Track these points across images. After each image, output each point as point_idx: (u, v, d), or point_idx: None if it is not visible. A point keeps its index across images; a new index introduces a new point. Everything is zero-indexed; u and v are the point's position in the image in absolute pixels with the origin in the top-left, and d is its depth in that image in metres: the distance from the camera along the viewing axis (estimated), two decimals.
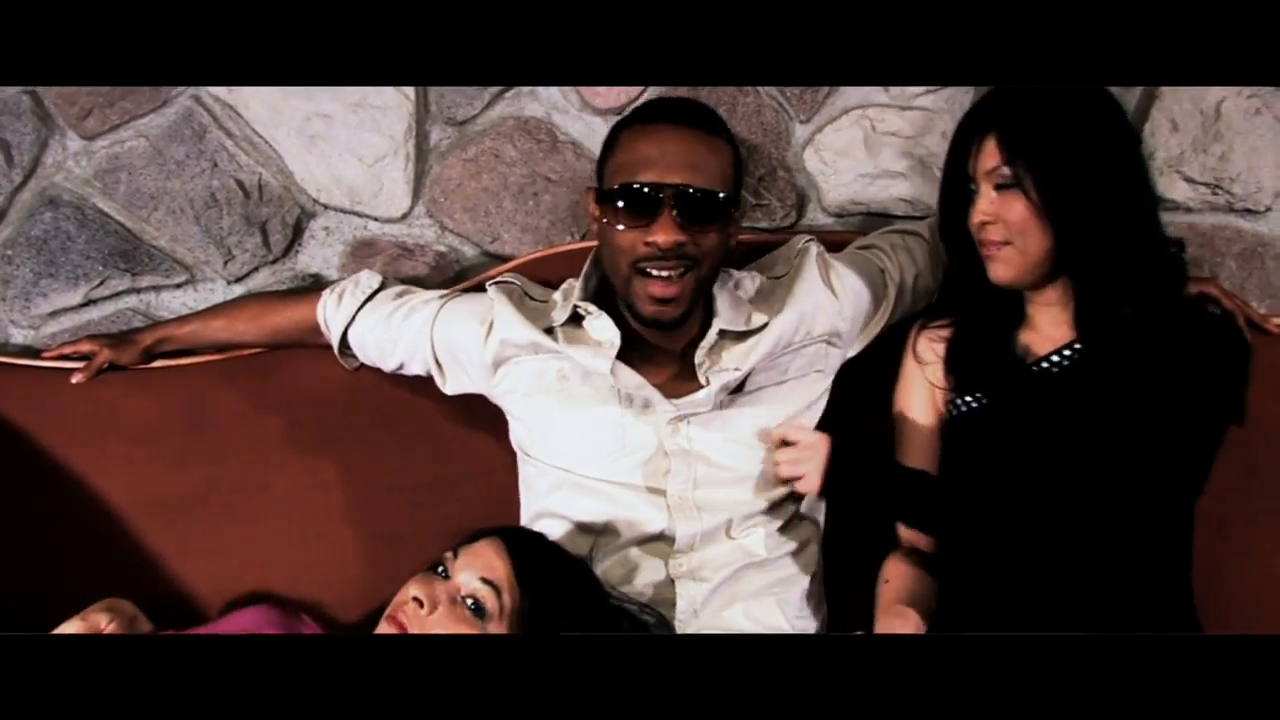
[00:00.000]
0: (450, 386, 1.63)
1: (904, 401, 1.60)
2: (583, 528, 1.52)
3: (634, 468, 1.51)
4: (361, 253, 1.84)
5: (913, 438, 1.58)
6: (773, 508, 1.54)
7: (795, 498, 1.55)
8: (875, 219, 1.84)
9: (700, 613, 1.50)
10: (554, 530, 1.50)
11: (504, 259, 1.82)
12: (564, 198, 1.82)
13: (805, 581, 1.56)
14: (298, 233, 1.84)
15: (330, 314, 1.66)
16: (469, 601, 1.28)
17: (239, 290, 1.84)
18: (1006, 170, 1.39)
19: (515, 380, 1.56)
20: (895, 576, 1.52)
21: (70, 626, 1.31)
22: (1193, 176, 1.83)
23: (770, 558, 1.53)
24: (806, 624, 1.56)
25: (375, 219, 1.84)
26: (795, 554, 1.56)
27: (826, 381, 1.61)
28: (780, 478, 1.50)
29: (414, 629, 1.26)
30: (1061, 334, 1.47)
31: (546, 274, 1.69)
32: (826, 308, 1.58)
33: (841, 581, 1.60)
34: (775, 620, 1.52)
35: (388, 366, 1.66)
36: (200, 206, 1.80)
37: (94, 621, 1.33)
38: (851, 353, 1.64)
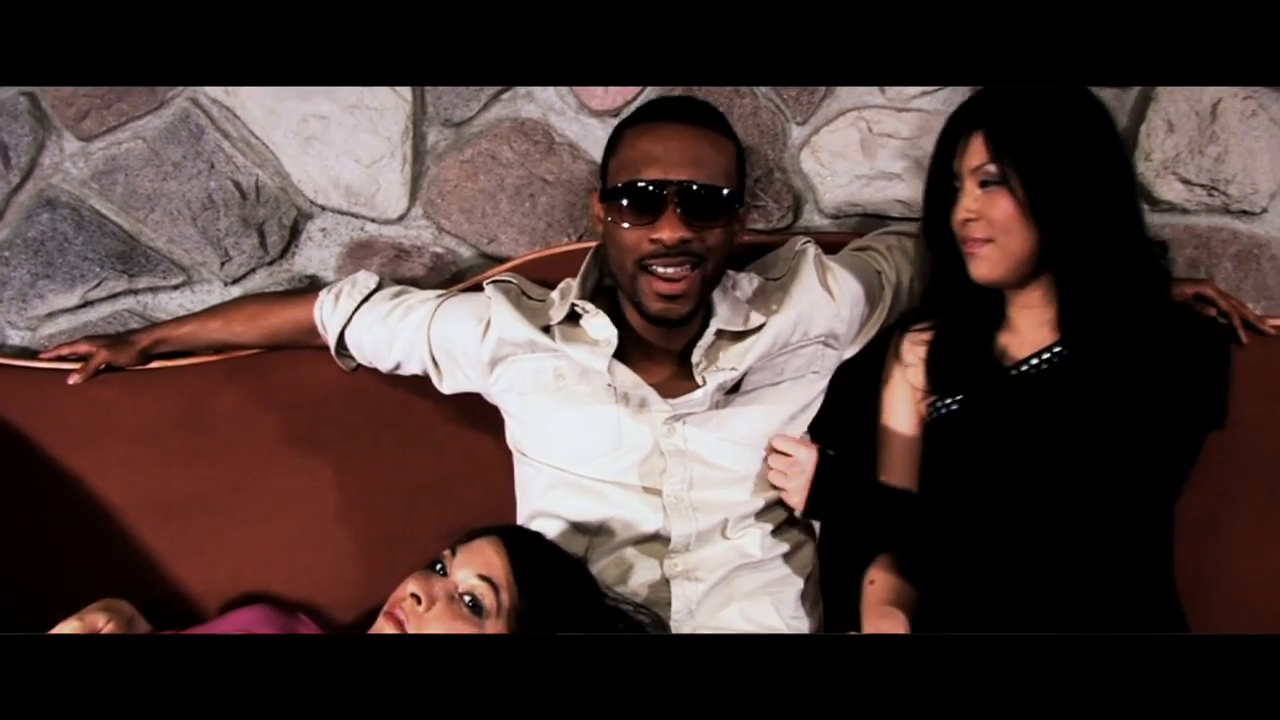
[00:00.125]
0: (447, 385, 1.63)
1: (887, 404, 1.61)
2: (578, 527, 1.52)
3: (630, 467, 1.51)
4: (358, 254, 1.85)
5: (895, 440, 1.59)
6: (768, 509, 1.55)
7: None
8: (872, 220, 1.85)
9: (696, 613, 1.50)
10: (550, 530, 1.50)
11: (501, 260, 1.83)
12: (560, 199, 1.83)
13: (801, 582, 1.56)
14: (295, 234, 1.84)
15: (327, 315, 1.66)
16: (467, 599, 1.29)
17: (236, 291, 1.84)
18: (992, 168, 1.40)
19: (512, 379, 1.57)
20: (880, 578, 1.52)
21: (68, 626, 1.31)
22: (1189, 178, 1.83)
23: (765, 558, 1.53)
24: (802, 624, 1.56)
25: (372, 220, 1.84)
26: (791, 554, 1.56)
27: (823, 383, 1.61)
28: (770, 483, 1.52)
29: (411, 625, 1.26)
30: (1042, 336, 1.48)
31: (543, 275, 1.69)
32: (823, 309, 1.58)
33: (838, 581, 1.60)
34: (770, 620, 1.52)
35: (384, 366, 1.66)
36: (197, 208, 1.80)
37: (91, 621, 1.33)
38: (848, 354, 1.65)
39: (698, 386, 1.51)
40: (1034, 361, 1.47)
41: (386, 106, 1.78)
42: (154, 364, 1.73)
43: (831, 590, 1.62)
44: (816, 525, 1.61)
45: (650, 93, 1.76)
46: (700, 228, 1.44)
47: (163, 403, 1.70)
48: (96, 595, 1.39)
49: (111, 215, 1.80)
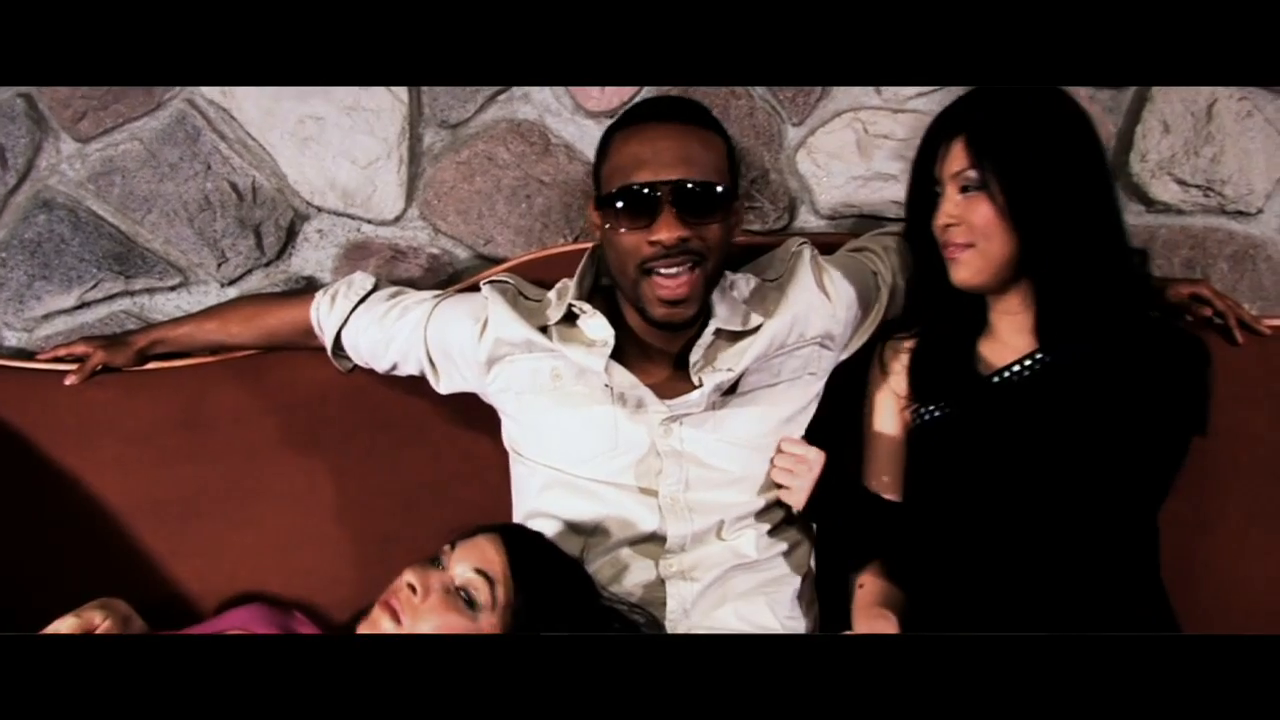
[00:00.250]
0: (444, 386, 1.63)
1: (872, 412, 1.61)
2: (574, 527, 1.52)
3: (626, 468, 1.51)
4: (355, 255, 1.85)
5: (881, 448, 1.59)
6: (765, 510, 1.55)
7: None
8: (867, 221, 1.85)
9: (691, 612, 1.50)
10: (545, 530, 1.49)
11: (497, 261, 1.83)
12: (557, 200, 1.83)
13: (796, 582, 1.56)
14: (291, 235, 1.84)
15: (323, 316, 1.66)
16: (462, 592, 1.29)
17: (233, 293, 1.84)
18: (973, 173, 1.41)
19: (509, 379, 1.57)
20: (870, 581, 1.53)
21: (64, 625, 1.31)
22: (1184, 179, 1.83)
23: (761, 559, 1.53)
24: (797, 624, 1.56)
25: (369, 221, 1.84)
26: (786, 555, 1.56)
27: (819, 384, 1.62)
28: (773, 481, 1.52)
29: (406, 615, 1.26)
30: (1023, 343, 1.48)
31: (539, 276, 1.69)
32: (820, 310, 1.58)
33: (835, 581, 1.60)
34: (765, 620, 1.52)
35: (381, 367, 1.66)
36: (194, 209, 1.80)
37: (88, 619, 1.33)
38: (844, 355, 1.65)
39: (695, 387, 1.51)
40: (1015, 368, 1.47)
41: (383, 108, 1.78)
42: (151, 365, 1.73)
43: (828, 590, 1.62)
44: (814, 525, 1.61)
45: (647, 93, 1.76)
46: (697, 225, 1.44)
47: (159, 403, 1.70)
48: (93, 595, 1.39)
49: (108, 216, 1.80)
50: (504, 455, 1.63)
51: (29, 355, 1.78)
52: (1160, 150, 1.83)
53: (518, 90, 1.80)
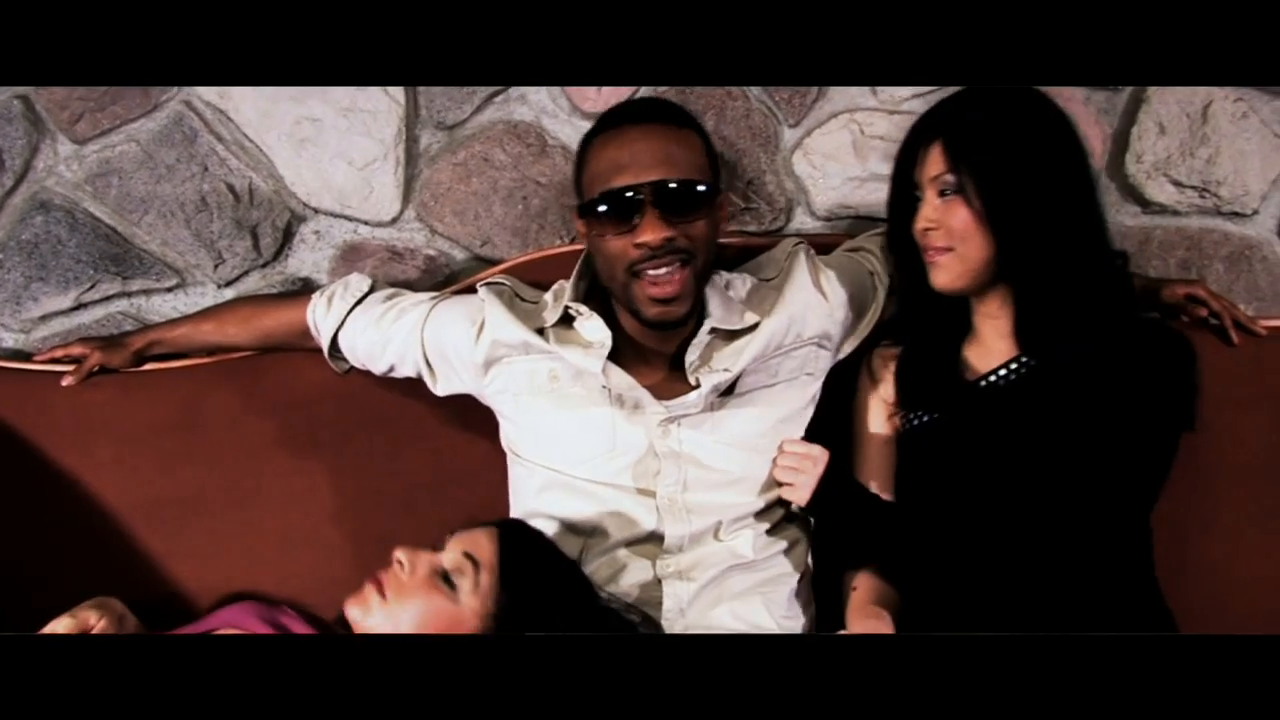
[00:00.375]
0: (441, 387, 1.63)
1: (860, 419, 1.61)
2: (572, 529, 1.52)
3: (624, 469, 1.51)
4: (351, 256, 1.85)
5: (870, 453, 1.59)
6: (763, 510, 1.55)
7: (785, 500, 1.55)
8: (864, 222, 1.85)
9: (687, 611, 1.50)
10: (544, 531, 1.50)
11: (494, 262, 1.83)
12: (553, 201, 1.83)
13: (793, 581, 1.56)
14: (288, 236, 1.84)
15: (320, 317, 1.66)
16: (447, 575, 1.32)
17: (229, 294, 1.84)
18: (950, 177, 1.41)
19: (506, 380, 1.57)
20: (864, 582, 1.53)
21: (60, 624, 1.31)
22: (1180, 179, 1.83)
23: (758, 559, 1.53)
24: (793, 624, 1.56)
25: (365, 223, 1.84)
26: (783, 555, 1.56)
27: (817, 384, 1.62)
28: (776, 479, 1.52)
29: (390, 588, 1.30)
30: (1007, 347, 1.48)
31: (536, 277, 1.69)
32: (817, 310, 1.58)
33: (832, 581, 1.60)
34: (761, 619, 1.52)
35: (378, 369, 1.66)
36: (191, 210, 1.80)
37: (83, 619, 1.33)
38: (841, 355, 1.65)
39: (692, 388, 1.51)
40: (1001, 372, 1.48)
41: (379, 109, 1.78)
42: (147, 366, 1.73)
43: (825, 590, 1.62)
44: (811, 525, 1.61)
45: (644, 94, 1.76)
46: (681, 224, 1.43)
47: (156, 404, 1.70)
48: (89, 595, 1.39)
49: (105, 218, 1.80)
50: (502, 456, 1.64)
51: (26, 356, 1.78)
52: (1156, 151, 1.83)
53: (514, 92, 1.81)
